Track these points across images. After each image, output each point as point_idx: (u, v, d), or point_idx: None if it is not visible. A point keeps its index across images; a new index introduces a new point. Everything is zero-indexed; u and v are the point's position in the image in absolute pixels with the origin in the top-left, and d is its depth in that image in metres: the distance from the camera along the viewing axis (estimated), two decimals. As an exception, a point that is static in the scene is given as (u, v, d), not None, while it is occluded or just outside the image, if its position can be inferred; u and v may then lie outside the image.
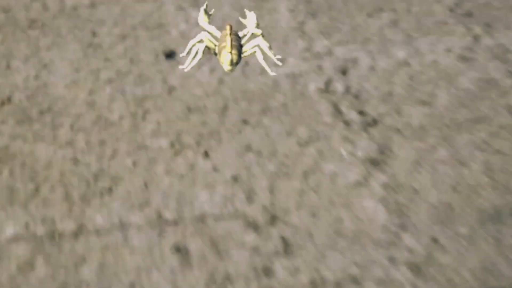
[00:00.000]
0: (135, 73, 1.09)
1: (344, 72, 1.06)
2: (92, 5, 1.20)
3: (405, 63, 1.07)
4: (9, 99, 1.04)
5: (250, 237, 0.84)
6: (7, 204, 0.89)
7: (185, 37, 1.14)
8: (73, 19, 1.16)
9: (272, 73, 0.86)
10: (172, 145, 0.98)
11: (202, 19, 0.88)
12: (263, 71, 1.07)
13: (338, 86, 1.04)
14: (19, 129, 0.99)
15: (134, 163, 0.95)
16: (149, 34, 1.14)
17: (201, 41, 0.89)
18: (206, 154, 0.96)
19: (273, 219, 0.87)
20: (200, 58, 0.92)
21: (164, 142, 0.98)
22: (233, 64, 0.83)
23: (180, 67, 0.88)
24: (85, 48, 1.12)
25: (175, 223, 0.87)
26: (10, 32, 1.15)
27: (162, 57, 1.10)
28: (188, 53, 0.94)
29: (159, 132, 0.99)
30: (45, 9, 1.20)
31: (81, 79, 1.08)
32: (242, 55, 0.85)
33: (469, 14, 1.15)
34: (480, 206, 0.86)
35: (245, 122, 1.00)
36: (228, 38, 0.83)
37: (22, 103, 1.04)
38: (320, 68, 1.07)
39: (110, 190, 0.91)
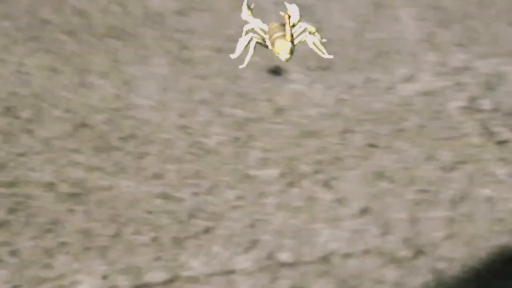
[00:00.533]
0: (234, 92, 0.92)
1: (490, 87, 0.87)
2: (181, 12, 1.05)
3: None
4: (84, 123, 0.88)
5: (392, 273, 0.68)
6: (81, 252, 0.74)
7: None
8: (158, 27, 1.01)
9: (327, 56, 0.77)
10: (283, 175, 0.81)
11: (246, 13, 0.80)
12: (388, 88, 0.89)
13: (485, 103, 0.85)
14: (96, 159, 0.83)
15: (238, 197, 0.78)
16: None
17: (250, 37, 0.84)
18: (327, 184, 0.79)
19: (419, 252, 0.70)
20: (252, 55, 0.85)
21: (273, 172, 0.81)
22: (292, 53, 0.78)
23: (231, 55, 0.77)
24: (174, 63, 0.97)
25: (292, 265, 0.71)
26: (85, 40, 1.00)
27: (265, 74, 0.93)
28: (242, 51, 0.86)
29: (267, 161, 0.82)
30: (126, 14, 1.05)
31: (169, 100, 0.92)
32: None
33: None
34: None
35: (372, 146, 0.83)
36: (288, 27, 0.79)
37: (100, 128, 0.88)
38: (459, 84, 0.88)
39: (208, 230, 0.75)
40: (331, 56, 0.75)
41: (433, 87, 0.90)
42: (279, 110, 0.90)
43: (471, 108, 0.87)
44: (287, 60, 0.78)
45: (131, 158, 0.84)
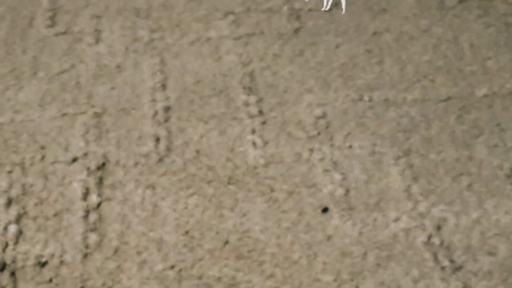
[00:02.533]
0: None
1: (439, 228, 1.68)
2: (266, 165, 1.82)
3: (478, 222, 1.69)
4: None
5: None
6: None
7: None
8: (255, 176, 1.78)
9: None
10: (334, 282, 1.60)
11: None
12: (386, 226, 1.68)
13: (436, 240, 1.66)
14: None
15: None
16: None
17: None
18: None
19: None
20: None
21: None
22: None
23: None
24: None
25: None
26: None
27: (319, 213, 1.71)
28: None
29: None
30: (235, 167, 1.81)
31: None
32: None
33: None
34: None
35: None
36: None
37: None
38: (423, 225, 1.69)
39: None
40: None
41: (409, 226, 1.71)
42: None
43: (428, 243, 1.68)
44: None
45: None
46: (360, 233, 1.59)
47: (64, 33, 2.18)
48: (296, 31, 2.17)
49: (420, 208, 1.66)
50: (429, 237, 1.60)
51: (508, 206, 1.67)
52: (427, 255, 1.56)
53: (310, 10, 2.25)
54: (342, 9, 2.22)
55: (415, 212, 1.64)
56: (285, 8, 2.27)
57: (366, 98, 1.96)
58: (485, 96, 1.96)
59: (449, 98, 1.96)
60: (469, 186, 1.71)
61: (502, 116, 1.90)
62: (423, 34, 2.14)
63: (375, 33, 2.15)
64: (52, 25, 2.20)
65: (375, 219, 1.63)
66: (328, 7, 1.31)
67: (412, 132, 1.85)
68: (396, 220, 1.62)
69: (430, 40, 2.12)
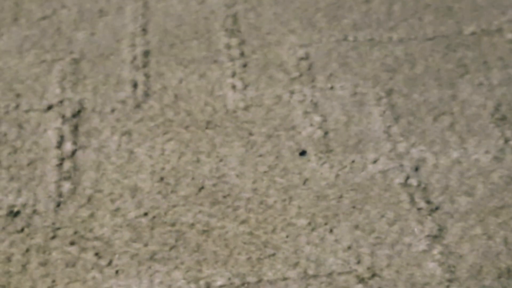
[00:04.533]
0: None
1: (417, 169, 1.65)
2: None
3: (457, 162, 1.66)
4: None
5: None
6: None
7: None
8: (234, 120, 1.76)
9: None
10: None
11: None
12: (364, 168, 1.66)
13: (413, 181, 1.63)
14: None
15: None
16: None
17: None
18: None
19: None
20: None
21: (304, 224, 1.59)
22: None
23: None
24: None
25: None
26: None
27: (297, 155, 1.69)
28: None
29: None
30: (215, 111, 1.79)
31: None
32: None
33: (503, 118, 1.72)
34: None
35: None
36: None
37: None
38: (402, 166, 1.66)
39: None
40: None
41: (387, 168, 1.68)
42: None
43: (406, 184, 1.65)
44: None
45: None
46: (337, 176, 1.57)
47: (47, -22, 2.15)
48: (283, -30, 2.12)
49: (399, 149, 1.63)
50: (407, 178, 1.58)
51: (489, 145, 1.64)
52: (404, 197, 1.54)
53: None
54: None
55: (394, 153, 1.62)
56: None
57: (350, 38, 1.91)
58: (473, 33, 1.91)
59: (435, 37, 1.91)
60: (451, 125, 1.68)
61: (489, 53, 1.85)
62: (412, -30, 2.08)
63: (362, -29, 2.09)
64: (36, -30, 2.17)
65: (353, 161, 1.60)
66: None
67: (395, 72, 1.81)
68: (374, 161, 1.59)
69: (419, -24, 2.06)
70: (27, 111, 1.73)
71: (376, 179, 1.60)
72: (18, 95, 1.77)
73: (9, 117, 1.72)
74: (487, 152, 1.63)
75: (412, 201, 1.56)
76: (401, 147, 1.66)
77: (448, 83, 1.80)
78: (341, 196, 1.57)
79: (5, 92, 1.78)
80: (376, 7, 2.01)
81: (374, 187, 1.58)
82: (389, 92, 1.78)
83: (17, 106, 1.75)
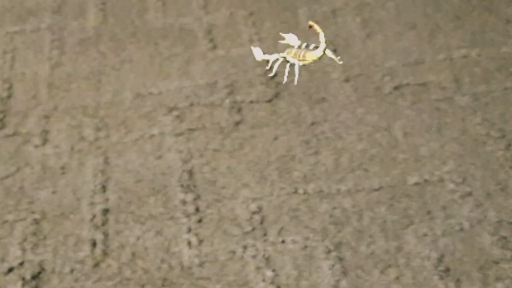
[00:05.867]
0: None
1: None
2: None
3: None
4: None
5: None
6: None
7: None
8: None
9: (340, 62, 1.30)
10: None
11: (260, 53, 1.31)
12: None
13: None
14: None
15: None
16: None
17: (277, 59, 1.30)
18: None
19: None
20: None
21: None
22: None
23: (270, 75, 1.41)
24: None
25: None
26: None
27: None
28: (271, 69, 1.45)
29: None
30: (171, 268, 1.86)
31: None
32: None
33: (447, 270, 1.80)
34: None
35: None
36: (321, 34, 1.26)
37: None
38: None
39: None
40: (341, 62, 1.39)
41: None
42: None
43: None
44: (321, 57, 1.33)
45: None
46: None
47: (13, 135, 2.25)
48: (237, 124, 2.23)
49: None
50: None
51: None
52: None
53: (251, 102, 2.32)
54: (283, 98, 2.29)
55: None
56: (227, 101, 2.34)
57: (301, 190, 2.01)
58: (416, 184, 2.02)
59: (381, 187, 2.02)
60: (397, 278, 1.76)
61: (432, 203, 1.96)
62: (358, 122, 2.21)
63: (313, 123, 2.21)
64: (1, 128, 2.27)
65: None
66: (272, 74, 1.41)
67: (344, 224, 1.90)
68: None
69: (365, 128, 2.19)
70: (-12, 275, 1.80)
71: (326, 334, 1.66)
72: (-21, 260, 1.84)
73: (-30, 282, 1.78)
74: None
75: None
76: (349, 301, 1.73)
77: (393, 234, 1.89)
78: None
79: (-33, 255, 1.85)
80: (324, 159, 2.12)
81: None
82: (338, 245, 1.86)
83: (-22, 271, 1.81)
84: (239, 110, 2.28)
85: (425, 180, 2.03)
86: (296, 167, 2.09)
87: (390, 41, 2.49)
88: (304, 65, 1.28)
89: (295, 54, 1.30)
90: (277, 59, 1.36)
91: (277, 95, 2.34)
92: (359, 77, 2.36)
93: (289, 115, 2.25)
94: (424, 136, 2.15)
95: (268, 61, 1.34)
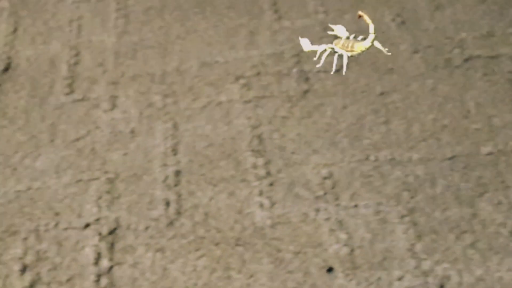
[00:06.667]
0: None
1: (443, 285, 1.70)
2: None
3: (481, 279, 1.71)
4: None
5: None
6: None
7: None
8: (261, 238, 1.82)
9: (388, 53, 1.36)
10: None
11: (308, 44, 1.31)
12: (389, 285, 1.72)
13: None
14: None
15: None
16: None
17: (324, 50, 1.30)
18: None
19: None
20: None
21: None
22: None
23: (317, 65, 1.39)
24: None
25: None
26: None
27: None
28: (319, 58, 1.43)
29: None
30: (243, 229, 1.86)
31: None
32: None
33: None
34: None
35: None
36: (367, 18, 1.24)
37: None
38: (427, 283, 1.72)
39: None
40: (389, 53, 1.34)
41: (412, 285, 1.74)
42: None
43: (431, 301, 1.70)
44: (370, 47, 1.29)
45: None
46: (364, 293, 1.63)
47: (81, 100, 2.26)
48: (305, 93, 2.23)
49: (423, 267, 1.69)
50: (431, 294, 1.63)
51: (511, 263, 1.70)
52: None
53: (318, 72, 2.31)
54: (347, 70, 2.28)
55: (419, 270, 1.67)
56: (294, 70, 2.34)
57: (372, 158, 2.00)
58: (490, 153, 2.00)
59: (454, 156, 2.00)
60: (473, 243, 1.74)
61: (506, 173, 1.93)
62: (429, 93, 2.19)
63: (382, 93, 2.20)
64: (70, 93, 2.29)
65: (379, 278, 1.66)
66: (320, 64, 1.38)
67: (417, 191, 1.89)
68: (400, 278, 1.65)
69: (436, 99, 2.17)
70: (65, 229, 1.81)
71: (402, 295, 1.65)
72: (57, 214, 1.85)
73: (49, 235, 1.80)
74: (509, 269, 1.69)
75: (438, 317, 1.61)
76: (426, 264, 1.72)
77: (468, 201, 1.87)
78: (369, 313, 1.62)
79: (45, 210, 1.87)
80: (395, 128, 2.10)
81: (401, 303, 1.64)
82: (411, 211, 1.85)
83: (56, 225, 1.83)
84: (307, 79, 2.27)
85: (499, 150, 2.01)
86: (366, 135, 2.07)
87: (459, 14, 2.47)
88: (352, 56, 1.28)
89: (343, 45, 1.29)
90: (325, 50, 1.34)
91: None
92: (428, 49, 2.34)
93: (357, 85, 2.24)
94: (497, 107, 2.13)
95: (316, 51, 1.33)
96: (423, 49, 2.35)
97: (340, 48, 1.31)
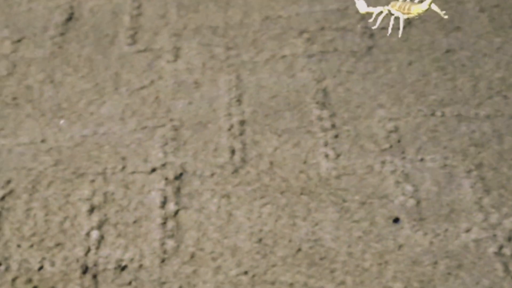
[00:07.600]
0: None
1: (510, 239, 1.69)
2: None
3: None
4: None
5: None
6: None
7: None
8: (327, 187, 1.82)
9: (445, 16, 1.26)
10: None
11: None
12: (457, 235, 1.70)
13: (507, 250, 1.67)
14: None
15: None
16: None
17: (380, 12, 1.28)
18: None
19: None
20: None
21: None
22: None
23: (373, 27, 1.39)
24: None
25: None
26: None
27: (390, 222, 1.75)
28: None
29: None
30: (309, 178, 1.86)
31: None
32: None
33: None
34: None
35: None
36: None
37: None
38: (494, 236, 1.70)
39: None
40: (446, 16, 1.32)
41: (480, 237, 1.72)
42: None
43: (499, 253, 1.69)
44: (427, 10, 1.27)
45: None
46: (431, 243, 1.62)
47: (144, 50, 2.26)
48: (369, 48, 2.21)
49: (491, 220, 1.67)
50: (500, 247, 1.62)
51: None
52: (498, 265, 1.58)
53: (383, 28, 2.29)
54: (416, 26, 2.25)
55: (487, 223, 1.66)
56: (359, 26, 2.32)
57: (438, 113, 1.98)
58: (559, 111, 1.97)
59: (521, 114, 1.97)
60: (542, 199, 1.72)
61: None
62: (496, 51, 2.16)
63: (447, 51, 2.17)
64: (133, 43, 2.29)
65: (446, 230, 1.65)
66: (376, 26, 1.34)
67: (484, 147, 1.86)
68: (467, 230, 1.64)
69: (503, 57, 2.14)
70: (132, 173, 1.82)
71: (470, 247, 1.64)
72: (123, 158, 1.86)
73: (116, 178, 1.81)
74: None
75: (506, 269, 1.60)
76: (494, 218, 1.70)
77: (536, 158, 1.85)
78: (436, 263, 1.61)
79: (111, 154, 1.88)
80: (461, 85, 2.08)
81: (468, 255, 1.62)
82: (479, 165, 1.83)
83: (123, 168, 1.84)
84: (371, 35, 2.25)
85: None
86: (432, 91, 2.05)
87: (528, -27, 2.43)
88: (408, 18, 1.25)
89: (399, 7, 1.26)
90: (381, 12, 1.32)
91: (409, 23, 2.30)
92: (495, 8, 2.30)
93: (423, 42, 2.21)
94: None
95: (372, 13, 1.33)
96: (490, 8, 2.31)
97: (396, 10, 1.27)
